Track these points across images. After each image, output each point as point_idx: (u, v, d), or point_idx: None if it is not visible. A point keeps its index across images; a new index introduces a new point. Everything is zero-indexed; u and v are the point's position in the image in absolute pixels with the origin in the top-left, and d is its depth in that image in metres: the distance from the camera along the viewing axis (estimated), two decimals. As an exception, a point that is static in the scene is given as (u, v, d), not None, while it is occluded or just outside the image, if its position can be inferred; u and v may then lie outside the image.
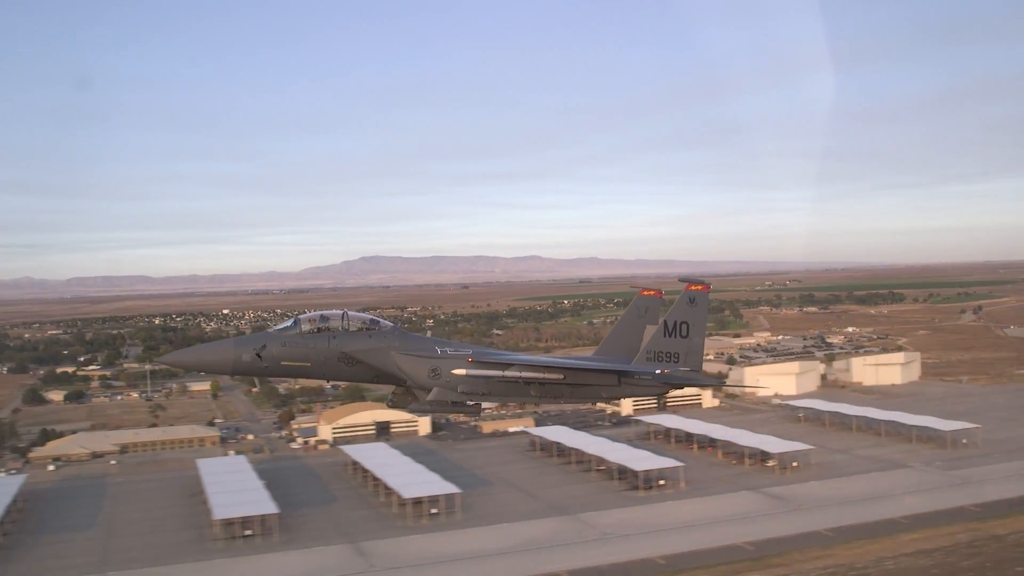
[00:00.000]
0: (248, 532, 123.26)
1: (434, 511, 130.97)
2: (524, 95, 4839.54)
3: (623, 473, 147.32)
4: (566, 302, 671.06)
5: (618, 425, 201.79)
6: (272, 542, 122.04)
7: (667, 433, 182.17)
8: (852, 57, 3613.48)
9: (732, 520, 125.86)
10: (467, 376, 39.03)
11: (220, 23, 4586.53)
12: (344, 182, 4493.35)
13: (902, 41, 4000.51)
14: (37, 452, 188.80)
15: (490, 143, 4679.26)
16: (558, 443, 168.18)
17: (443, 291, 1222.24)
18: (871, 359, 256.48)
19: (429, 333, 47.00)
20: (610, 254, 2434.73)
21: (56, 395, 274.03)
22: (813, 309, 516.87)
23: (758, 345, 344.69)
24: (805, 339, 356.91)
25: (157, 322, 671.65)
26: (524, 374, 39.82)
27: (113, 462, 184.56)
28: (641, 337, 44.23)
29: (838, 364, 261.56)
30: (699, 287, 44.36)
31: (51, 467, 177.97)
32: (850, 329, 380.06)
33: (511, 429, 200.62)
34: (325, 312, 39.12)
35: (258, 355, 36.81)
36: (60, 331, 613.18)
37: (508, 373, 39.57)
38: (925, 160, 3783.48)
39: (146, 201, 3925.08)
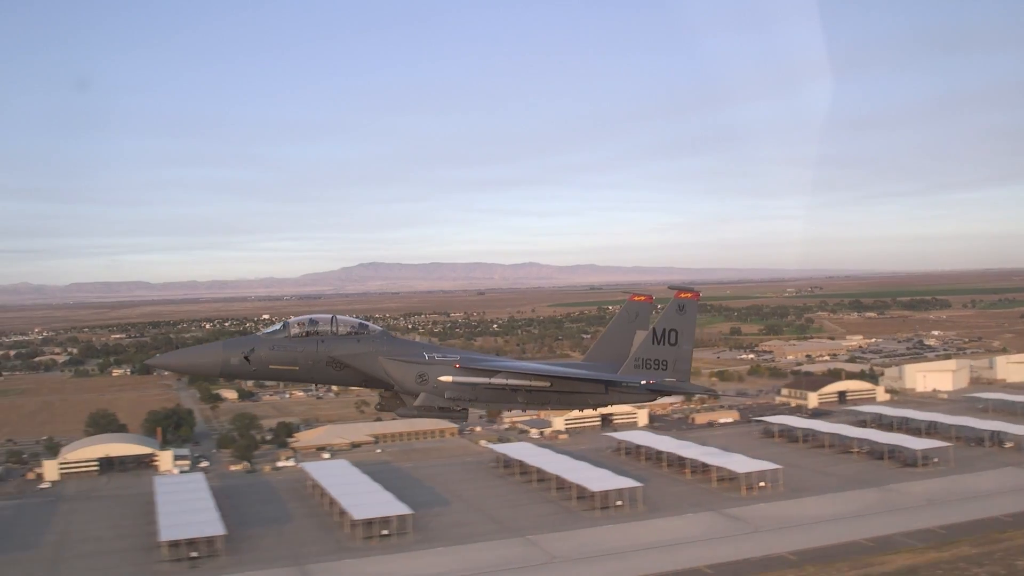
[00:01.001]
0: (619, 503, 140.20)
1: (762, 484, 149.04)
2: (523, 102, 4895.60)
3: (894, 452, 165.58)
4: (611, 307, 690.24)
5: (816, 416, 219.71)
6: (639, 511, 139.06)
7: (880, 419, 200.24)
8: (850, 65, 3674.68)
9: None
10: (454, 383, 39.49)
11: (218, 29, 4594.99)
12: (342, 188, 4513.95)
13: (901, 49, 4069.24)
14: (299, 442, 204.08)
15: (488, 149, 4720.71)
16: (806, 429, 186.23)
17: (459, 297, 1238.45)
18: (1015, 357, 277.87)
19: (415, 337, 54.29)
20: (608, 261, 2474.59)
21: (230, 394, 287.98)
22: (872, 314, 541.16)
23: (860, 347, 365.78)
24: (899, 342, 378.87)
25: (208, 327, 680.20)
26: (511, 381, 40.12)
27: (379, 451, 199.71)
28: (631, 342, 44.96)
29: (978, 363, 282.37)
30: (689, 295, 44.58)
31: (326, 455, 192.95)
32: (936, 333, 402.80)
33: (721, 420, 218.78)
34: (314, 316, 39.34)
35: (246, 358, 37.32)
36: (125, 336, 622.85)
37: (495, 380, 39.87)
38: (923, 167, 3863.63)
39: (143, 207, 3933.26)
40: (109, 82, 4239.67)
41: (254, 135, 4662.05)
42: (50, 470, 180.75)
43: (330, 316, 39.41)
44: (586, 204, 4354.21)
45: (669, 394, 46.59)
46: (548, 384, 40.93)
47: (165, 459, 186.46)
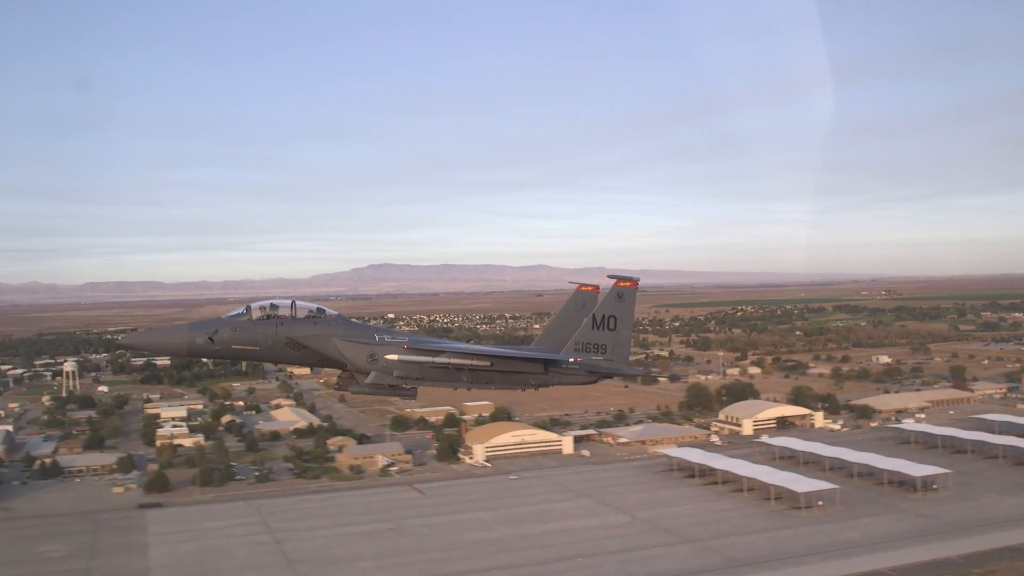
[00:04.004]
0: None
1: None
2: (533, 106, 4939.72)
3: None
4: (765, 309, 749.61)
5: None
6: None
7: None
8: (854, 72, 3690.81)
9: None
10: (400, 361, 41.63)
11: (229, 29, 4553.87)
12: (352, 189, 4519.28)
13: (906, 56, 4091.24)
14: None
15: (497, 152, 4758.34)
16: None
17: (518, 299, 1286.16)
18: None
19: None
20: (616, 264, 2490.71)
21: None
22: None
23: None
24: None
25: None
26: (454, 360, 42.61)
27: (921, 416, 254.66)
28: (578, 329, 47.01)
29: None
30: (628, 283, 46.79)
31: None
32: None
33: None
34: (275, 300, 41.85)
35: (210, 339, 39.81)
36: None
37: (439, 359, 42.32)
38: (927, 173, 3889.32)
39: (154, 207, 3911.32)
40: (119, 82, 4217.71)
41: (264, 136, 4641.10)
42: (747, 427, 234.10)
43: (290, 301, 41.94)
44: (595, 207, 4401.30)
45: (610, 376, 49.00)
46: (489, 363, 43.41)
47: (818, 418, 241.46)
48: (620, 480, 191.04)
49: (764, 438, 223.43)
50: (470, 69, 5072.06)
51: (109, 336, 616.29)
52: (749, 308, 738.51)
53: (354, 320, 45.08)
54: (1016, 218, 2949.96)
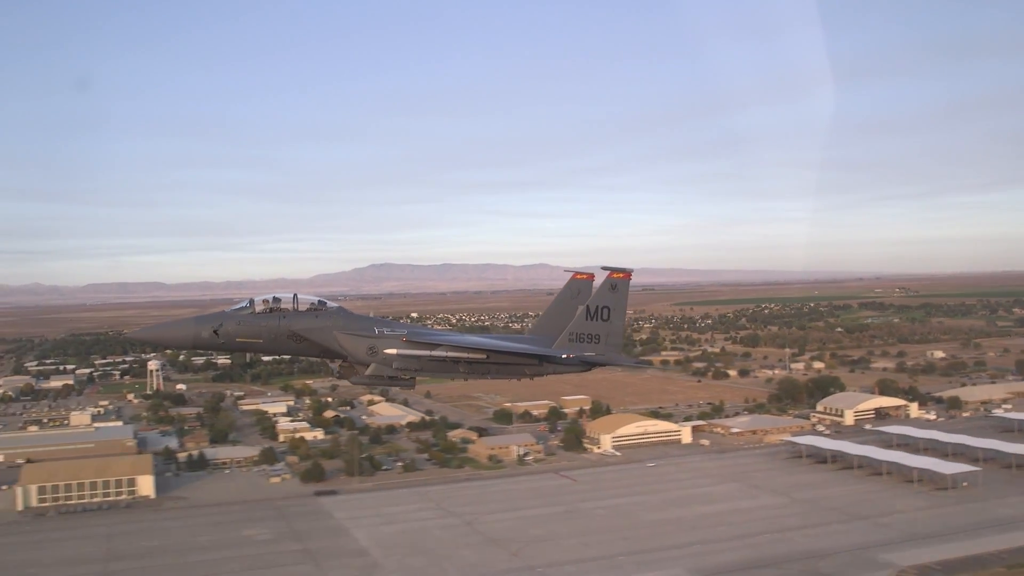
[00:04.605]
0: None
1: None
2: (534, 106, 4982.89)
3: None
4: (797, 306, 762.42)
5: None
6: None
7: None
8: (854, 71, 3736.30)
9: None
10: (399, 354, 42.87)
11: (229, 29, 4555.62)
12: (353, 189, 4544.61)
13: (904, 55, 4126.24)
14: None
15: (498, 152, 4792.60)
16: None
17: (518, 298, 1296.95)
18: None
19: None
20: (617, 262, 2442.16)
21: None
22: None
23: None
24: None
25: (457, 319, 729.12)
26: (451, 353, 43.65)
27: (1008, 406, 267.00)
28: (573, 316, 48.40)
29: None
30: (621, 275, 48.03)
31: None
32: None
33: None
34: (278, 294, 42.93)
35: (215, 332, 40.74)
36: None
37: (436, 352, 43.37)
38: (927, 171, 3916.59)
39: (153, 208, 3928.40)
40: (120, 84, 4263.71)
41: (264, 136, 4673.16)
42: (848, 417, 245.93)
43: (292, 295, 43.13)
44: (595, 206, 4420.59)
45: (602, 366, 49.64)
46: (484, 356, 44.53)
47: (913, 409, 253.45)
48: (755, 466, 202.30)
49: (868, 426, 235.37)
50: (470, 69, 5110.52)
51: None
52: (774, 306, 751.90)
53: (354, 313, 46.09)
54: (1016, 215, 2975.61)
